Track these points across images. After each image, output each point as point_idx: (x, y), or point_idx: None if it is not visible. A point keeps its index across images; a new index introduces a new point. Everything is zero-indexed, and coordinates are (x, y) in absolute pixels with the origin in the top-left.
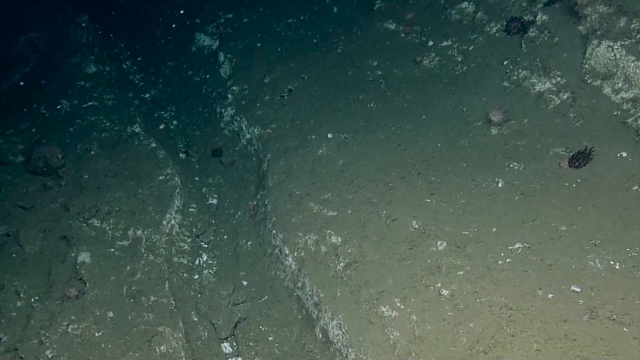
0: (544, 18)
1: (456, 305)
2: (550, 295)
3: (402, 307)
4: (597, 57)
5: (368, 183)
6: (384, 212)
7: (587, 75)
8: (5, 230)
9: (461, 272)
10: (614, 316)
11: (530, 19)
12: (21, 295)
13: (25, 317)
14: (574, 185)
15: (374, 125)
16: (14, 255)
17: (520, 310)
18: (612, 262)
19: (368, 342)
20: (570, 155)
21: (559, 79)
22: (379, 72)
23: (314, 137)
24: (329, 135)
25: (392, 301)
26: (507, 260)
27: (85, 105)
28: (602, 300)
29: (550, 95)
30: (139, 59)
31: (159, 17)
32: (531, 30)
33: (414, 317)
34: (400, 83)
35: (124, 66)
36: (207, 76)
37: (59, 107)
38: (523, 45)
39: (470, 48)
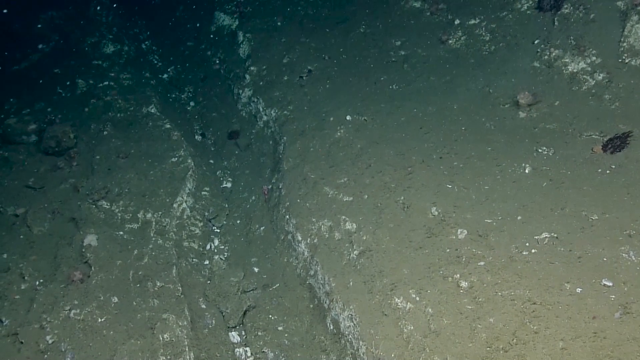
0: None
1: (475, 298)
2: (578, 290)
3: (418, 299)
4: (637, 35)
5: (386, 167)
6: (402, 197)
7: (625, 54)
8: (14, 210)
9: (482, 263)
10: None
11: None
12: (26, 278)
13: (28, 300)
14: (607, 171)
15: (395, 107)
16: (21, 237)
17: (545, 305)
18: None
19: (380, 335)
20: (605, 139)
21: (594, 58)
22: (403, 53)
23: (332, 119)
24: (348, 118)
25: (407, 292)
26: (533, 250)
27: (101, 84)
28: (637, 295)
29: (584, 76)
30: (159, 38)
31: None
32: (565, 6)
33: (430, 310)
34: (424, 64)
35: (143, 46)
36: (226, 56)
37: (74, 86)
38: (556, 23)
39: (499, 26)
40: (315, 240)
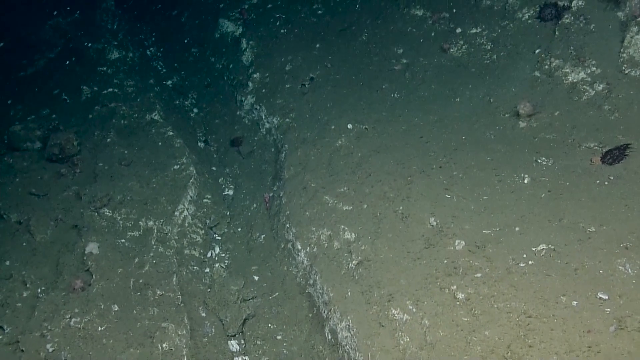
0: (580, 4)
1: (471, 310)
2: (574, 303)
3: (414, 310)
4: (637, 46)
5: (386, 177)
6: (401, 207)
7: (625, 65)
8: (17, 218)
9: (479, 275)
10: None
11: (565, 4)
12: (28, 286)
13: (30, 308)
14: (606, 182)
15: (396, 116)
16: (24, 244)
17: (540, 318)
18: None
19: (376, 346)
20: (604, 150)
21: (594, 68)
22: (404, 61)
23: (333, 127)
24: (349, 126)
25: (404, 303)
26: (530, 262)
27: (105, 91)
28: (632, 309)
29: (584, 86)
30: (164, 45)
31: (185, 3)
32: (566, 16)
33: (426, 322)
34: (425, 72)
35: (148, 52)
36: (229, 63)
37: (79, 93)
38: (557, 33)
39: (501, 35)
40: (314, 250)
